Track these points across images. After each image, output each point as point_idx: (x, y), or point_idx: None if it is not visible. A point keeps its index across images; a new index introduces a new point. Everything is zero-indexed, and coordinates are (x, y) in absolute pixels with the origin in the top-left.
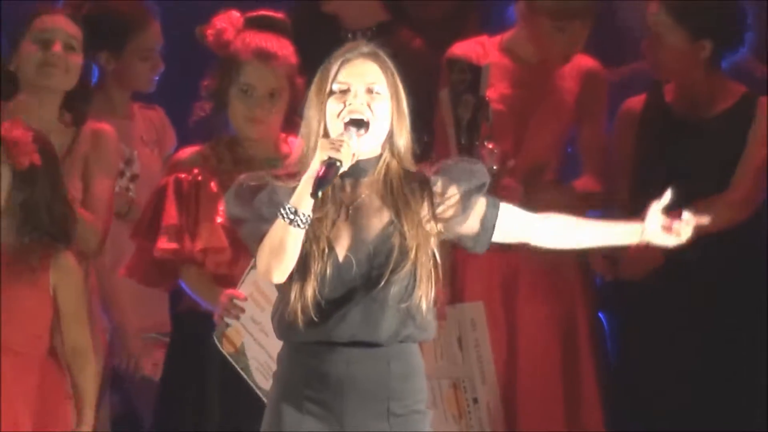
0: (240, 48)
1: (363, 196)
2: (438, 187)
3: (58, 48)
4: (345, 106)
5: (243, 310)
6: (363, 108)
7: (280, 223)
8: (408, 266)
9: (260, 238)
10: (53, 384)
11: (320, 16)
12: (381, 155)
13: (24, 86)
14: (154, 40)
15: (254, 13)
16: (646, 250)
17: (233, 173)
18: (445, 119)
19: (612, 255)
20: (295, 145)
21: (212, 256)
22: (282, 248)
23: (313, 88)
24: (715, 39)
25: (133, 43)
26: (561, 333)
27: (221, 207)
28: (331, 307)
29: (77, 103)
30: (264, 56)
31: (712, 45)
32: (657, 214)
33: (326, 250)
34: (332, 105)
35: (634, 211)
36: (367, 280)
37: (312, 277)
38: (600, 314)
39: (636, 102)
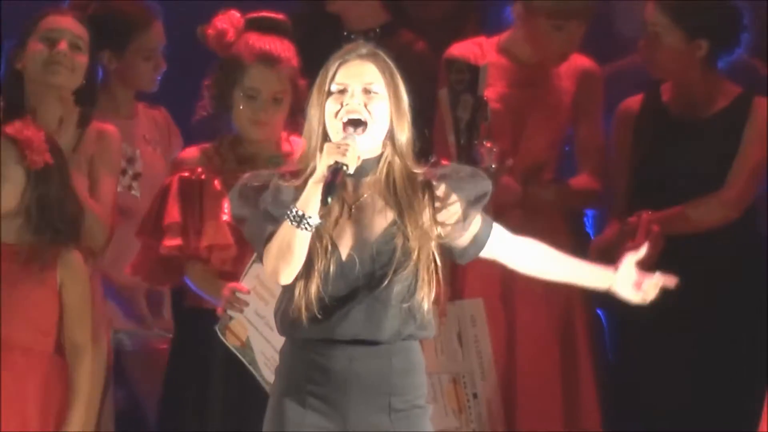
0: (243, 51)
1: (365, 195)
2: (441, 192)
3: (63, 46)
4: (342, 106)
5: (246, 303)
6: (360, 108)
7: (287, 226)
8: (410, 266)
9: (264, 236)
10: (61, 381)
11: (323, 17)
12: (382, 155)
13: (30, 85)
14: (157, 40)
15: (255, 15)
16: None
17: (237, 172)
18: (444, 119)
19: (608, 252)
20: (297, 143)
21: (217, 253)
22: (290, 250)
23: (315, 88)
24: (711, 39)
25: (135, 42)
26: (559, 330)
27: (225, 205)
28: (335, 305)
29: (83, 103)
30: (268, 60)
31: (708, 45)
32: (631, 267)
33: (329, 249)
34: (330, 105)
35: (631, 210)
36: (370, 279)
37: (316, 274)
38: (598, 311)
39: (633, 102)
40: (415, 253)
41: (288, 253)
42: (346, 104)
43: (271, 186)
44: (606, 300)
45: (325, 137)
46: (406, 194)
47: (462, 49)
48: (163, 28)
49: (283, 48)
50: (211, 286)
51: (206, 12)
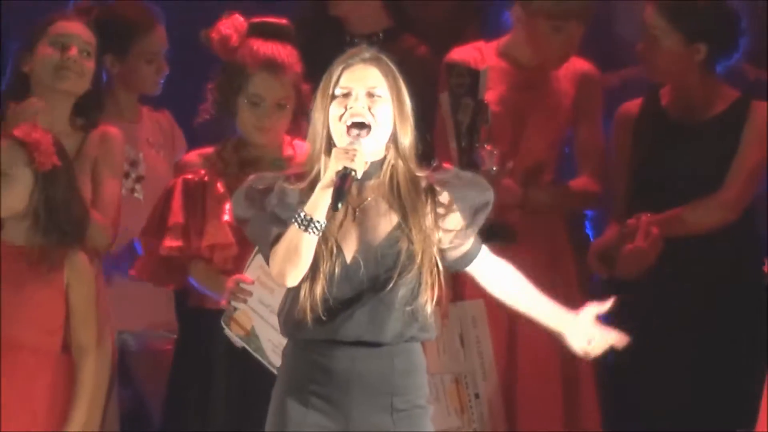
0: (247, 58)
1: (369, 198)
2: (444, 198)
3: (74, 52)
4: (346, 109)
5: (250, 294)
6: (364, 111)
7: (294, 230)
8: (414, 270)
9: (270, 239)
10: (69, 380)
11: (326, 22)
12: (385, 158)
13: (37, 89)
14: (159, 44)
15: (259, 20)
16: (639, 250)
17: (239, 175)
18: (445, 122)
19: (607, 254)
20: (300, 147)
21: (219, 252)
22: (297, 254)
23: (318, 92)
24: (709, 42)
25: (138, 46)
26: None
27: (227, 206)
28: (339, 307)
29: (89, 108)
30: (271, 68)
31: (706, 48)
32: (591, 320)
33: (334, 251)
34: (334, 109)
35: (631, 213)
36: (374, 281)
37: (321, 276)
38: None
39: (632, 106)
40: (419, 256)
41: (295, 257)
42: (351, 108)
43: (276, 188)
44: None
45: (329, 141)
46: (410, 197)
47: (462, 54)
48: (165, 32)
49: (287, 54)
50: (215, 282)
51: (210, 14)
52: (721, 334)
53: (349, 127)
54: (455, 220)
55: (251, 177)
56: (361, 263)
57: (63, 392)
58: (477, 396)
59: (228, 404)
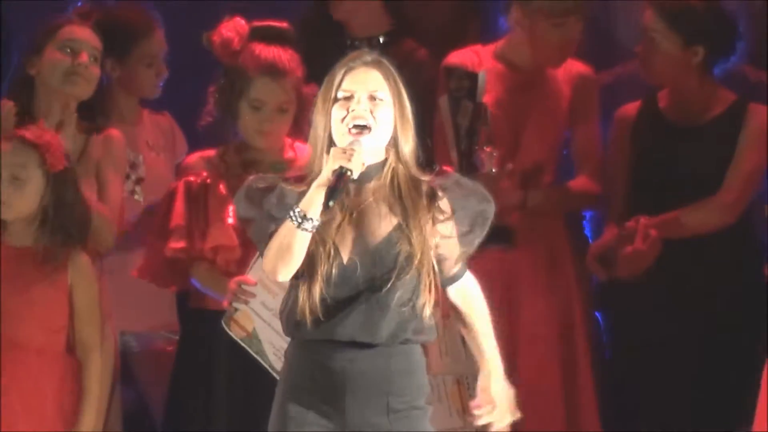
0: (248, 62)
1: (369, 200)
2: (444, 204)
3: (85, 58)
4: (348, 112)
5: (253, 295)
6: (366, 114)
7: (288, 226)
8: (413, 271)
9: (268, 237)
10: (76, 380)
11: (327, 25)
12: (386, 161)
13: (41, 91)
14: (159, 47)
15: (260, 23)
16: (637, 252)
17: (241, 176)
18: (445, 125)
19: (606, 256)
20: (300, 150)
21: (222, 253)
22: (289, 250)
23: (320, 95)
24: (707, 45)
25: (137, 50)
26: (560, 331)
27: (230, 208)
28: (336, 307)
29: (92, 112)
30: (273, 73)
31: (704, 51)
32: (488, 391)
33: (332, 253)
34: (336, 111)
35: (629, 215)
36: (371, 283)
37: (319, 277)
38: (596, 314)
39: (631, 108)
40: (417, 257)
41: (287, 253)
42: (353, 110)
43: (277, 189)
44: (607, 302)
45: (331, 143)
46: (411, 199)
47: (459, 57)
48: (164, 35)
49: (288, 58)
50: (218, 284)
51: (212, 17)
52: (720, 335)
53: (350, 129)
54: (451, 227)
55: (252, 177)
56: (358, 264)
57: (69, 392)
58: None
59: (230, 405)
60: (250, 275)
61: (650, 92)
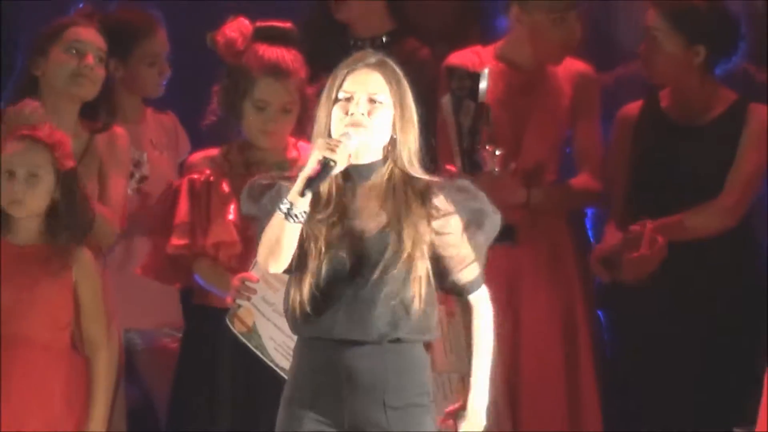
0: (252, 63)
1: (363, 198)
2: (440, 201)
3: (90, 60)
4: (347, 113)
5: (255, 291)
6: (362, 118)
7: (277, 217)
8: (400, 266)
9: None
10: (82, 376)
11: (330, 25)
12: (384, 161)
13: (46, 91)
14: (161, 46)
15: (264, 24)
16: (644, 258)
17: (244, 175)
18: (447, 125)
19: (609, 258)
20: (304, 149)
21: (224, 250)
22: (278, 242)
23: (324, 93)
24: (709, 44)
25: (140, 49)
26: (562, 330)
27: (232, 206)
28: (327, 304)
29: (97, 111)
30: (277, 73)
31: (706, 50)
32: (463, 419)
33: (323, 250)
34: (336, 112)
35: (630, 215)
36: (360, 279)
37: (309, 273)
38: (599, 313)
39: (632, 108)
40: (407, 251)
41: (276, 245)
42: (351, 113)
43: (276, 186)
44: (608, 302)
45: None
46: (405, 198)
47: (460, 58)
48: (165, 34)
49: (292, 59)
50: (221, 280)
51: (215, 16)
52: (721, 336)
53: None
54: (451, 224)
55: (257, 176)
56: (347, 261)
57: (76, 389)
58: None
59: (234, 401)
60: (253, 272)
61: (652, 92)
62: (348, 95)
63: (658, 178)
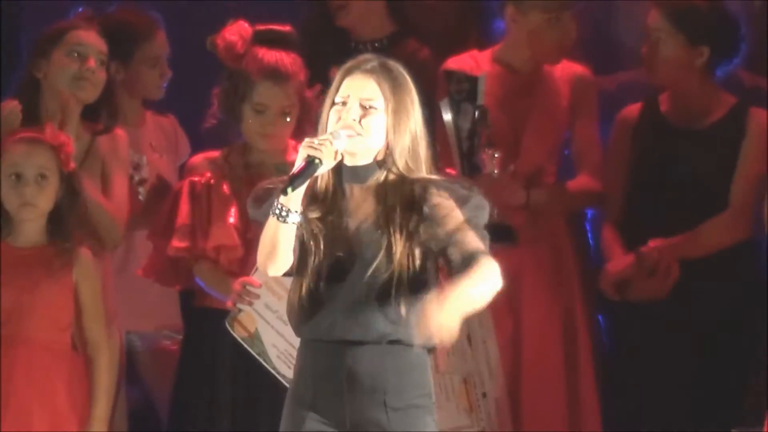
0: (251, 66)
1: (359, 200)
2: (432, 196)
3: (92, 63)
4: (340, 118)
5: (257, 296)
6: (353, 124)
7: (271, 220)
8: (391, 268)
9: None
10: (84, 376)
11: (331, 28)
12: (380, 164)
13: (47, 94)
14: (161, 49)
15: (263, 27)
16: (658, 286)
17: (244, 178)
18: (446, 128)
19: (620, 280)
20: None
21: (225, 253)
22: (274, 244)
23: (327, 95)
24: (712, 45)
25: (140, 52)
26: (562, 329)
27: (233, 209)
28: (325, 305)
29: (98, 113)
30: (276, 77)
31: (709, 51)
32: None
33: (321, 251)
34: (332, 115)
35: (629, 216)
36: (355, 281)
37: (306, 276)
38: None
39: (632, 111)
40: (398, 255)
41: (272, 247)
42: (343, 118)
43: (277, 190)
44: (608, 302)
45: None
46: (397, 200)
47: (457, 62)
48: (165, 36)
49: (291, 62)
50: (221, 283)
51: (215, 18)
52: (721, 336)
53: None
54: (442, 205)
55: (263, 181)
56: (344, 263)
57: (79, 388)
58: (484, 395)
59: (234, 403)
60: (255, 277)
61: (651, 95)
62: (343, 99)
63: (656, 180)
